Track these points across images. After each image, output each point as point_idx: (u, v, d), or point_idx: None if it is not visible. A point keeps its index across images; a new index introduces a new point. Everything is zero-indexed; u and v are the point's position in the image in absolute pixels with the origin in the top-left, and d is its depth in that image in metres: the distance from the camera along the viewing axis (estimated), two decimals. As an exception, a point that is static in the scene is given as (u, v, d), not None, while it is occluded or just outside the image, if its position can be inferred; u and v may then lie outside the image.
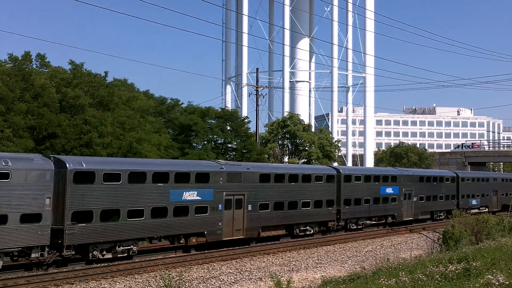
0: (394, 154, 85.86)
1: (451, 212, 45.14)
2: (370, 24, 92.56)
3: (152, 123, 40.87)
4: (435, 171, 58.81)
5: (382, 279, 17.32)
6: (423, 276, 17.30)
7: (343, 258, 28.16)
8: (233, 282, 21.65)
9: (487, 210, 52.76)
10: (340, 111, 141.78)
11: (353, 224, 37.62)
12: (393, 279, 17.12)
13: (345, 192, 36.42)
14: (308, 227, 33.80)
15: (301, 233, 33.53)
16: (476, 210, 51.47)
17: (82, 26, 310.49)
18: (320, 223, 35.10)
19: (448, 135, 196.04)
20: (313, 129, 66.61)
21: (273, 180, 30.99)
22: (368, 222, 39.16)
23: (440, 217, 47.85)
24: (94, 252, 22.71)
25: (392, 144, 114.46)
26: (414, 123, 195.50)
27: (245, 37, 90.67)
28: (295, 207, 32.32)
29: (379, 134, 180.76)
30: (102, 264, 23.03)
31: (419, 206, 44.33)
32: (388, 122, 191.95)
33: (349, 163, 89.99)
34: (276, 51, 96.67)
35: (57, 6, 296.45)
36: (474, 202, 52.57)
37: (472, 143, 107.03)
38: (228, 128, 48.45)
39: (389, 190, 40.53)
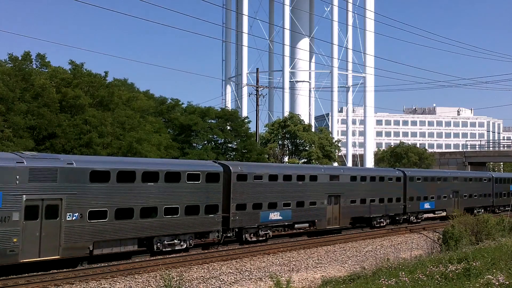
0: (394, 154, 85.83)
1: (205, 235, 27.27)
2: (370, 24, 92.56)
3: (152, 123, 40.89)
4: (136, 159, 28.03)
5: (382, 279, 17.33)
6: (423, 276, 17.31)
7: (343, 258, 28.17)
8: (233, 282, 21.65)
9: (314, 228, 34.34)
10: (340, 111, 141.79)
11: None
12: (393, 279, 17.12)
13: None
14: None
15: None
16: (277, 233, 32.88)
17: (82, 26, 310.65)
18: None
19: (448, 135, 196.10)
20: (313, 129, 66.62)
21: None
22: None
23: (163, 249, 25.28)
24: None
25: (392, 144, 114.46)
26: (414, 123, 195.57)
27: (245, 37, 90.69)
28: None
29: (379, 134, 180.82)
30: (102, 264, 23.05)
31: (84, 230, 21.93)
32: (388, 122, 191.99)
33: (349, 163, 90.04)
34: (276, 51, 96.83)
35: (57, 6, 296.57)
36: (273, 216, 30.44)
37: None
38: (228, 128, 48.46)
39: None
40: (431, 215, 47.85)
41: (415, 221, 43.64)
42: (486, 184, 54.40)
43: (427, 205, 44.86)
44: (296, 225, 32.69)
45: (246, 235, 29.48)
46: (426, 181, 44.84)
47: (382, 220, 40.15)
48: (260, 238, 30.24)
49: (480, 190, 52.86)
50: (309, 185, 33.35)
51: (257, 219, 29.64)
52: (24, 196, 20.09)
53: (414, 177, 43.40)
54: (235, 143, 48.34)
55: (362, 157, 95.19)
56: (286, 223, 31.90)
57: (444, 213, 46.78)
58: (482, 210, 52.36)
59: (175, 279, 18.38)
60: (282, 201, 31.19)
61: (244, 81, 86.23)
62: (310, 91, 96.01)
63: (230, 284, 21.42)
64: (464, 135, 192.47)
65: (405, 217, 42.64)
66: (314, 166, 43.89)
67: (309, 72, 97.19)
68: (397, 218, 41.79)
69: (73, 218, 21.64)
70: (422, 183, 44.11)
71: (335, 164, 62.14)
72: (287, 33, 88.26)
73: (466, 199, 50.03)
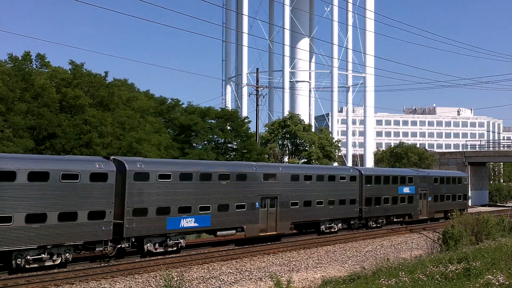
0: (394, 154, 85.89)
1: None
2: (370, 24, 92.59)
3: (152, 123, 40.90)
4: None
5: (382, 279, 17.34)
6: (423, 276, 17.31)
7: (343, 258, 28.16)
8: (233, 282, 21.65)
9: None
10: (340, 111, 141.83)
11: None
12: (393, 279, 17.13)
13: None
14: None
15: None
16: None
17: (82, 26, 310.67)
18: None
19: (448, 135, 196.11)
20: (313, 129, 66.60)
21: None
22: None
23: None
24: None
25: (392, 144, 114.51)
26: (414, 123, 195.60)
27: (245, 37, 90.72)
28: None
29: (379, 134, 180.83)
30: (102, 264, 23.06)
31: None
32: (388, 122, 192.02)
33: (349, 163, 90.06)
34: (276, 51, 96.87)
35: (57, 6, 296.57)
36: None
37: None
38: (228, 128, 48.48)
39: None
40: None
41: (155, 251, 24.93)
42: (345, 184, 36.31)
43: (189, 222, 25.95)
44: None
45: None
46: (186, 181, 25.95)
47: (55, 256, 21.50)
48: None
49: (333, 194, 35.05)
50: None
51: None
52: None
53: (148, 175, 24.54)
54: (235, 143, 48.35)
55: (362, 157, 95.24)
56: None
57: (243, 234, 29.54)
58: (340, 224, 36.04)
59: (175, 279, 18.40)
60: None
61: (244, 81, 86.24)
62: (310, 91, 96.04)
63: (230, 284, 21.42)
64: (464, 135, 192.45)
65: (124, 245, 23.61)
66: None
67: (309, 72, 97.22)
68: (100, 248, 23.02)
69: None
70: (172, 185, 25.34)
71: (335, 164, 62.00)
72: (287, 33, 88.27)
73: (297, 209, 32.27)
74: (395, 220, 41.92)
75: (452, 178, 49.60)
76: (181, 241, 26.12)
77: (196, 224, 26.47)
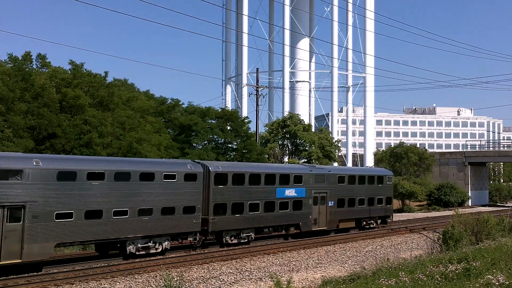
0: (394, 154, 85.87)
1: None
2: (370, 24, 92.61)
3: (152, 123, 40.89)
4: None
5: (382, 279, 17.33)
6: (423, 276, 17.31)
7: (343, 258, 28.16)
8: (233, 282, 21.65)
9: None
10: (340, 111, 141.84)
11: None
12: (393, 279, 17.13)
13: None
14: None
15: None
16: None
17: (82, 26, 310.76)
18: None
19: (448, 135, 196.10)
20: (313, 129, 66.60)
21: None
22: None
23: None
24: None
25: (392, 144, 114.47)
26: (414, 123, 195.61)
27: (245, 37, 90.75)
28: None
29: (379, 134, 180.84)
30: (102, 264, 23.06)
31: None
32: (388, 122, 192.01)
33: (349, 163, 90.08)
34: (276, 51, 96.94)
35: (57, 6, 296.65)
36: None
37: None
38: (228, 128, 48.48)
39: None
40: None
41: None
42: (176, 186, 25.63)
43: None
44: None
45: None
46: None
47: None
48: None
49: (151, 199, 24.50)
50: None
51: None
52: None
53: None
54: (235, 143, 48.35)
55: (362, 157, 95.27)
56: None
57: None
58: (167, 243, 25.49)
59: (175, 279, 18.40)
60: None
61: (244, 81, 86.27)
62: (310, 91, 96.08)
63: (230, 284, 21.42)
64: (464, 135, 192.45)
65: None
66: None
67: (309, 72, 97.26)
68: None
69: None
70: None
71: (335, 164, 62.01)
72: (287, 33, 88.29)
73: (71, 223, 21.56)
74: (274, 233, 32.42)
75: (368, 176, 38.52)
76: None
77: None
